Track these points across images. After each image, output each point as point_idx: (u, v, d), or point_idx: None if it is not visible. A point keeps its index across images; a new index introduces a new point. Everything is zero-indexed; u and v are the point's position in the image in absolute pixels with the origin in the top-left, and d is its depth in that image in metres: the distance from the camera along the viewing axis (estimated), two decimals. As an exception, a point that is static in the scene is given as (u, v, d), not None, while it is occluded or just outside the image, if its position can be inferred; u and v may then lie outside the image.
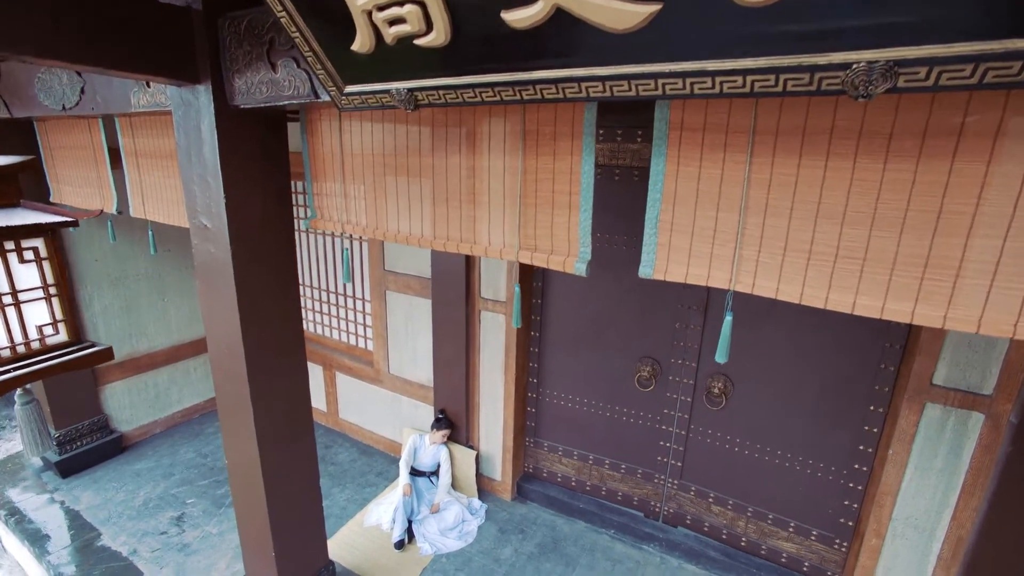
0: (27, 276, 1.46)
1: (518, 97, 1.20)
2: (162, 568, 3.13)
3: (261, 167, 2.00)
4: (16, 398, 1.58)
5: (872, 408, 2.64)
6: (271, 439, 2.25)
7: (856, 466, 2.74)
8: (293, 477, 2.42)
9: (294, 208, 2.27)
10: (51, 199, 3.42)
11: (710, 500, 3.22)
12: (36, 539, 3.28)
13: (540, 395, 3.62)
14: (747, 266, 1.28)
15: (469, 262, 3.38)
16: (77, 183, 3.17)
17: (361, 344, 4.34)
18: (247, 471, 2.30)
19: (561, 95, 1.14)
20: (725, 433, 3.09)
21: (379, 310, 3.98)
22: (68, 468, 3.87)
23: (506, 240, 1.60)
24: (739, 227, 1.27)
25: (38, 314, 1.49)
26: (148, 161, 2.69)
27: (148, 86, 2.13)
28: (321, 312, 4.52)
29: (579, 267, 1.48)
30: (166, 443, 4.38)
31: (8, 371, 1.42)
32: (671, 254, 1.37)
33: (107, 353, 1.62)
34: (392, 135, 1.75)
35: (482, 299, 3.46)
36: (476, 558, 3.26)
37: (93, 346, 1.61)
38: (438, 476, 3.67)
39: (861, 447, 2.70)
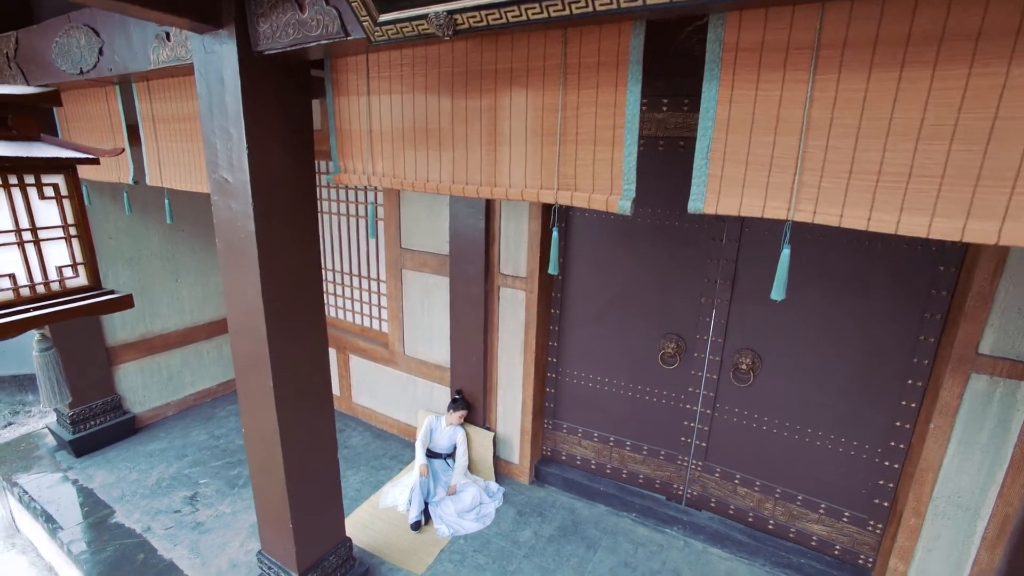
0: (47, 214, 1.40)
1: (567, 12, 1.13)
2: (176, 545, 3.07)
3: (284, 118, 1.94)
4: (34, 344, 1.52)
5: (910, 382, 2.54)
6: (290, 404, 2.18)
7: (892, 443, 2.64)
8: (311, 446, 2.36)
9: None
10: (67, 173, 3.39)
11: (736, 482, 3.12)
12: (50, 516, 3.24)
13: (560, 375, 3.54)
14: (808, 193, 1.20)
15: (489, 236, 3.31)
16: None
17: (376, 326, 4.28)
18: (265, 438, 2.24)
19: (615, 5, 1.07)
20: (752, 411, 2.99)
21: (395, 290, 3.92)
22: (82, 447, 3.83)
23: (543, 182, 1.53)
24: (799, 151, 1.19)
25: (58, 254, 1.43)
26: (165, 127, 2.65)
27: (168, 39, 2.08)
28: (335, 294, 4.46)
29: (623, 205, 1.40)
30: (178, 425, 4.34)
31: (27, 310, 1.36)
32: (723, 186, 1.29)
33: (127, 300, 1.56)
34: (423, 76, 1.69)
35: (501, 275, 3.39)
36: (494, 540, 3.18)
37: (113, 293, 1.55)
38: (454, 459, 3.59)
39: (898, 423, 2.60)
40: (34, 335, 1.53)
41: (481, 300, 3.42)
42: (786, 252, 1.23)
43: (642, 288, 3.14)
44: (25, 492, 3.45)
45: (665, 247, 3.04)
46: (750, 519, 3.11)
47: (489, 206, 3.26)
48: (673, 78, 2.69)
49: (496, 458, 3.72)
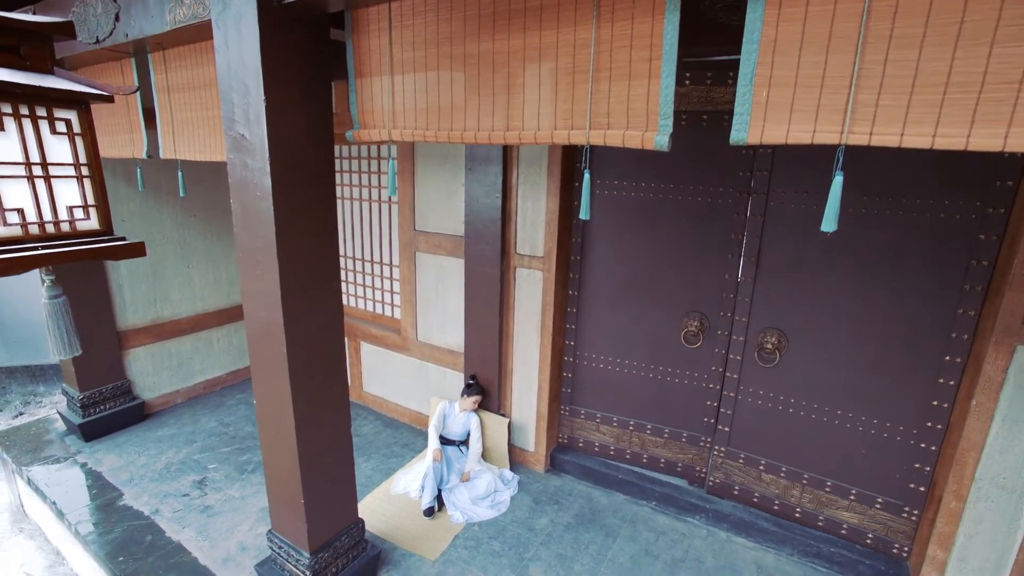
0: (59, 150, 1.35)
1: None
2: (184, 528, 3.00)
3: (303, 74, 1.89)
4: (44, 291, 1.46)
5: (948, 358, 2.42)
6: (303, 371, 2.11)
7: (929, 424, 2.52)
8: (324, 418, 2.28)
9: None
10: (81, 152, 3.37)
11: (761, 468, 3.01)
12: (57, 498, 3.19)
13: (577, 358, 3.45)
14: (863, 113, 1.12)
15: (505, 215, 3.24)
16: (107, 131, 3.11)
17: (388, 312, 4.22)
18: (277, 408, 2.17)
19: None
20: (778, 393, 2.88)
21: (408, 273, 3.86)
22: (91, 432, 3.78)
23: (574, 122, 1.46)
24: (854, 69, 1.11)
25: (69, 194, 1.38)
26: (180, 97, 2.61)
27: (185, -4, 2.04)
28: (346, 281, 4.41)
29: (660, 141, 1.33)
30: (188, 412, 4.28)
31: (35, 248, 1.30)
32: (769, 113, 1.21)
33: (139, 247, 1.50)
34: (448, 22, 1.63)
35: (518, 255, 3.31)
36: (510, 527, 3.08)
37: (124, 239, 1.49)
38: (468, 446, 3.50)
39: (935, 402, 2.49)
40: (45, 282, 1.47)
41: (497, 281, 3.35)
42: (839, 179, 1.14)
43: (663, 266, 3.06)
44: (33, 475, 3.40)
45: (687, 223, 2.95)
46: (776, 507, 2.99)
47: (506, 184, 3.19)
48: (697, 47, 2.63)
49: (511, 446, 3.62)
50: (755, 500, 3.05)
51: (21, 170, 1.29)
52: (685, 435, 3.19)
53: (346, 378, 2.35)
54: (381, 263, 4.15)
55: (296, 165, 1.93)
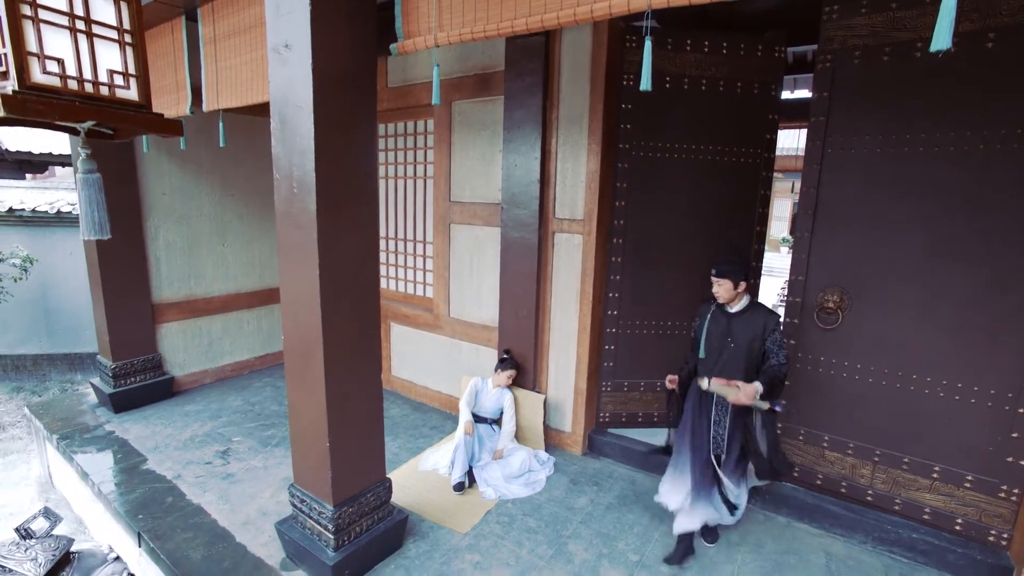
0: (103, 10, 1.32)
1: None
2: (205, 492, 2.88)
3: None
4: (79, 165, 1.41)
5: (1046, 308, 2.16)
6: (334, 301, 2.00)
7: (1026, 385, 2.23)
8: (355, 359, 2.15)
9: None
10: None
11: (823, 445, 2.72)
12: (83, 461, 3.12)
13: (620, 328, 3.25)
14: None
15: (544, 177, 3.14)
16: (155, 93, 3.18)
17: (420, 291, 4.12)
18: (306, 343, 2.05)
19: None
20: (842, 358, 2.62)
21: (442, 247, 3.77)
22: (121, 403, 3.75)
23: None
24: None
25: (110, 57, 1.34)
26: (226, 44, 2.64)
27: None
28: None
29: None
30: (215, 392, 4.22)
31: (75, 100, 1.25)
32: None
33: (176, 125, 1.44)
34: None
35: (556, 219, 3.19)
36: (546, 505, 2.85)
37: (162, 115, 1.44)
38: (500, 425, 3.31)
39: (1032, 360, 2.20)
40: (80, 155, 1.42)
41: (534, 248, 3.22)
42: (955, -15, 0.99)
43: (710, 225, 2.90)
44: (61, 441, 3.35)
45: (726, 181, 2.80)
46: (843, 488, 2.68)
47: (545, 147, 3.11)
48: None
49: (546, 427, 3.40)
50: (818, 481, 2.75)
51: (64, 20, 1.25)
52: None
53: (378, 309, 2.22)
54: (414, 240, 4.09)
55: (339, 73, 1.87)
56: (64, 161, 7.65)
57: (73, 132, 1.45)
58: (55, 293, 6.01)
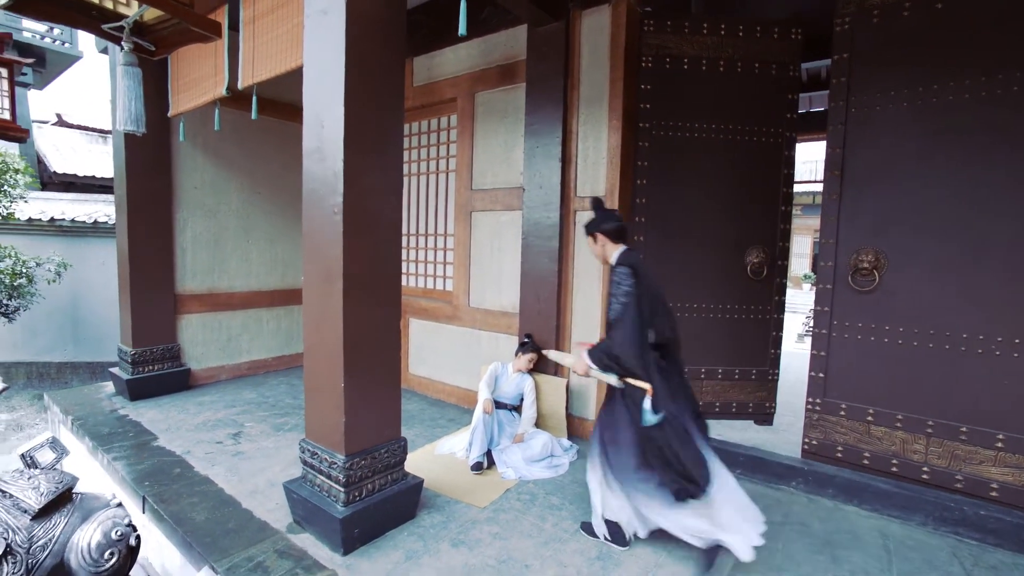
0: (155, -92, 1.41)
1: None
2: (214, 466, 2.77)
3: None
4: (121, 57, 1.46)
5: (1102, 249, 2.03)
6: (356, 234, 1.99)
7: (1090, 333, 2.06)
8: (372, 295, 2.11)
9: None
10: (168, 114, 3.63)
11: (868, 420, 2.53)
12: (95, 438, 3.06)
13: (642, 307, 3.15)
14: None
15: (565, 156, 3.16)
16: (193, 82, 3.36)
17: (439, 285, 4.10)
18: (326, 270, 2.02)
19: None
20: (882, 322, 2.49)
21: (463, 236, 3.77)
22: (137, 390, 3.71)
23: None
24: None
25: (158, -48, 1.42)
26: (264, 21, 2.77)
27: None
28: (399, 259, 4.37)
29: None
30: (230, 387, 4.17)
31: (120, -22, 1.32)
32: None
33: (217, 27, 1.50)
34: None
35: (578, 198, 3.19)
36: (570, 486, 2.68)
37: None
38: (520, 412, 3.16)
39: (1094, 306, 2.05)
40: (123, 48, 1.47)
41: (556, 228, 3.20)
42: None
43: (730, 202, 2.86)
44: (75, 422, 3.31)
45: (746, 160, 2.79)
46: (894, 466, 2.47)
47: (566, 127, 3.15)
48: None
49: (568, 415, 3.25)
50: (865, 460, 2.53)
51: (119, -93, 1.34)
52: (755, 373, 2.77)
53: (400, 244, 2.20)
54: (435, 235, 4.11)
55: (370, 31, 1.96)
56: (105, 184, 8.03)
57: (116, 40, 1.51)
58: (84, 303, 6.15)
